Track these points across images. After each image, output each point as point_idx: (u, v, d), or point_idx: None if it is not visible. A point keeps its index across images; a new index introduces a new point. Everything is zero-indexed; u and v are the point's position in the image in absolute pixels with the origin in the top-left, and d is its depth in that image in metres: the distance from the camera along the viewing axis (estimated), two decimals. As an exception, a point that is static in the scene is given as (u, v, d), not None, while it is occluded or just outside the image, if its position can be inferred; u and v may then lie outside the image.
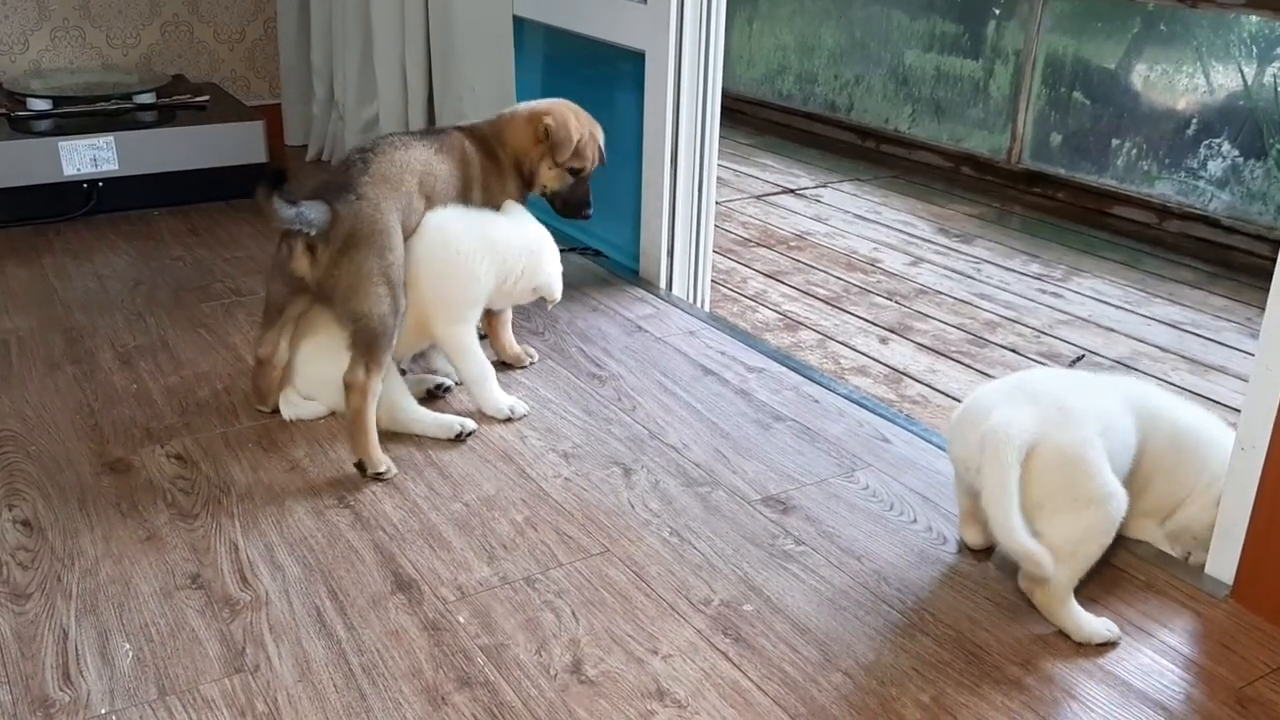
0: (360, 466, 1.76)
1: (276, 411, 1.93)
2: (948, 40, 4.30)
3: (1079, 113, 3.89)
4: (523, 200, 2.09)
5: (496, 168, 2.06)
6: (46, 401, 1.96)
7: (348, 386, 1.76)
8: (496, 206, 2.04)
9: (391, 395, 1.85)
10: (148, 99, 3.07)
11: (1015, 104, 4.01)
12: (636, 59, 2.48)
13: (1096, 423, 1.44)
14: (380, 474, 1.76)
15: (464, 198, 1.99)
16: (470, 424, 1.89)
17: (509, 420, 1.94)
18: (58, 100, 2.98)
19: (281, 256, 1.79)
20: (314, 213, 1.72)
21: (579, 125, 2.07)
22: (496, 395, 1.95)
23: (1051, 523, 1.40)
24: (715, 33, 2.40)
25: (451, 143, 2.00)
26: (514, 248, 1.96)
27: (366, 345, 1.76)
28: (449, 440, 1.87)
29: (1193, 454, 1.58)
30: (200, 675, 1.33)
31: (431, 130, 2.06)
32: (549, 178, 2.08)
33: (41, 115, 2.94)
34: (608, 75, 2.66)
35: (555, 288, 2.02)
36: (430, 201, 1.91)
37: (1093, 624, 1.42)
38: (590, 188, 2.13)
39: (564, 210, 2.12)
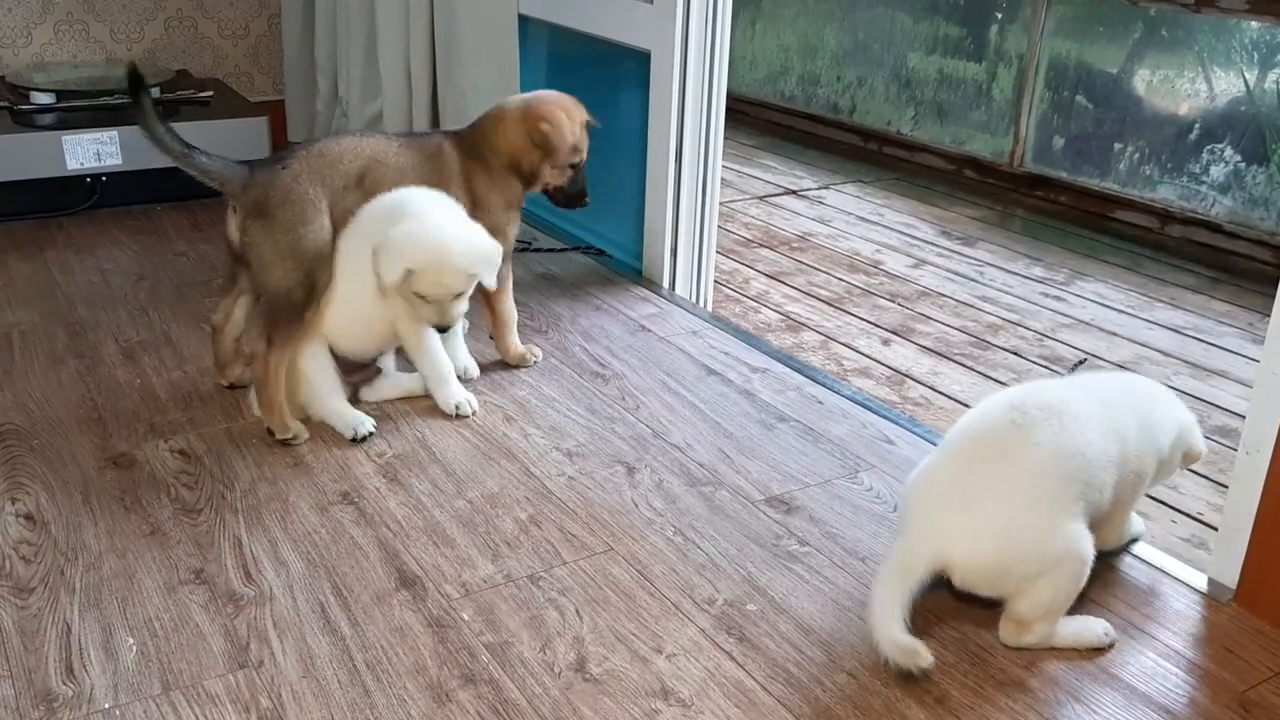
0: (270, 431, 1.82)
1: (234, 386, 1.94)
2: (950, 43, 4.30)
3: (1081, 116, 3.89)
4: (518, 202, 2.08)
5: (486, 172, 2.01)
6: (49, 395, 1.95)
7: (250, 356, 1.81)
8: (490, 211, 1.99)
9: (317, 382, 1.85)
10: (151, 94, 3.06)
11: (1018, 107, 4.01)
12: (642, 58, 2.48)
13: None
14: (287, 440, 1.80)
15: None
16: (365, 428, 1.83)
17: (457, 416, 1.92)
18: (61, 94, 2.98)
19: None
20: (225, 168, 1.75)
21: (570, 121, 2.03)
22: (446, 392, 1.94)
23: (1017, 603, 1.40)
24: (721, 32, 2.40)
25: (426, 142, 1.97)
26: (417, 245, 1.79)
27: (267, 318, 1.77)
28: (361, 440, 1.85)
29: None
30: (204, 670, 1.33)
31: (415, 132, 2.05)
32: (552, 175, 2.06)
33: (45, 109, 2.94)
34: (612, 74, 2.66)
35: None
36: (370, 195, 1.86)
37: (1086, 634, 1.42)
38: (584, 178, 2.12)
39: (567, 203, 2.10)
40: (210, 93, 3.13)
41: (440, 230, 1.79)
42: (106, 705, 1.27)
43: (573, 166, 2.06)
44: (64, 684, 1.30)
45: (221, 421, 1.90)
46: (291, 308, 1.76)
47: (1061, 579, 1.38)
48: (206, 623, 1.41)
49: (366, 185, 1.87)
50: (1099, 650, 1.41)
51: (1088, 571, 1.41)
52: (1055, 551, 1.38)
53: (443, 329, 1.88)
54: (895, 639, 1.32)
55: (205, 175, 1.73)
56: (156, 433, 1.85)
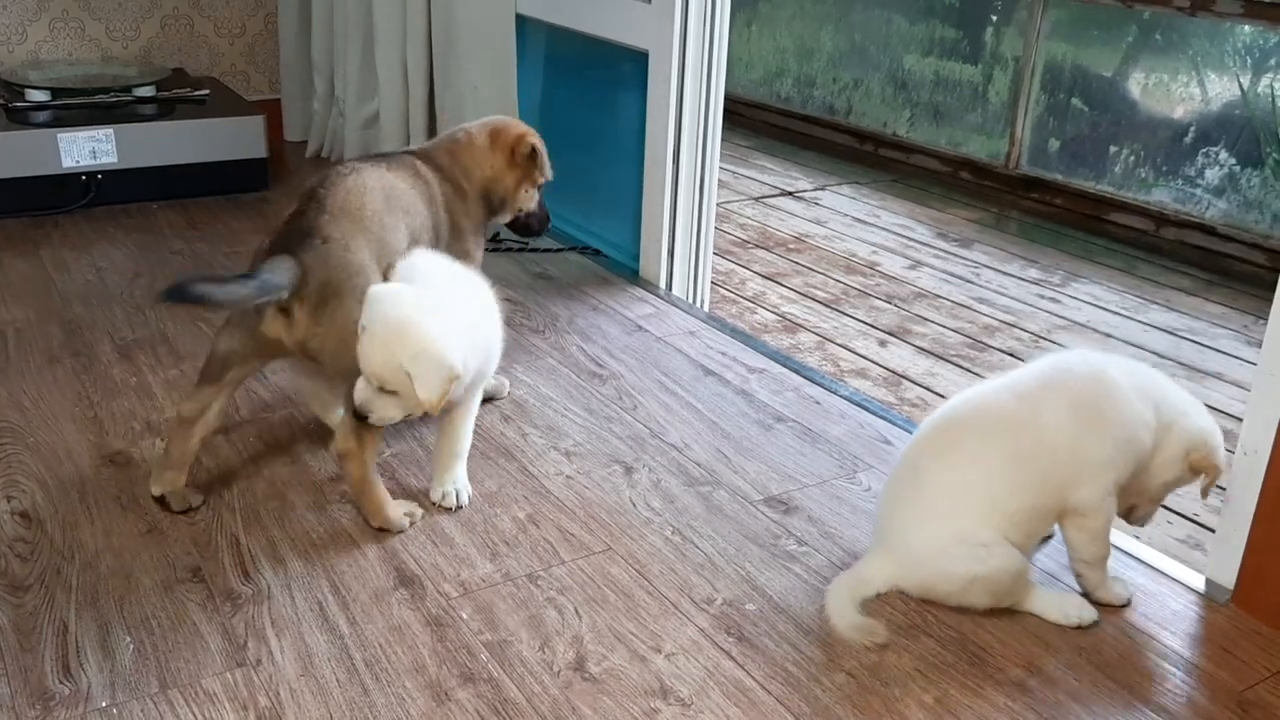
0: (384, 530, 1.59)
1: (163, 500, 1.63)
2: (947, 45, 4.31)
3: (1077, 119, 3.90)
4: (484, 230, 1.96)
5: (461, 197, 1.86)
6: (45, 393, 1.95)
7: (343, 456, 1.55)
8: (466, 237, 1.86)
9: (326, 396, 1.79)
10: (147, 92, 3.06)
11: (1014, 109, 4.02)
12: (640, 58, 2.48)
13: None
14: (410, 525, 1.62)
15: (434, 224, 1.78)
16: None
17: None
18: (56, 92, 2.97)
19: (248, 317, 1.56)
20: (280, 275, 1.48)
21: (536, 137, 1.94)
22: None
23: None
24: (719, 33, 2.41)
25: (402, 162, 1.78)
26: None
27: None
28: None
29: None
30: (202, 669, 1.32)
31: (379, 154, 1.87)
32: (526, 199, 1.95)
33: (40, 106, 2.93)
34: (610, 74, 2.66)
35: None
36: (408, 222, 1.70)
37: (1064, 606, 1.47)
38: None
39: (539, 228, 2.01)
40: (206, 91, 3.12)
41: (415, 310, 1.48)
42: (104, 704, 1.27)
43: (540, 189, 1.99)
44: (61, 682, 1.30)
45: (218, 420, 1.89)
46: None
47: (991, 589, 1.43)
48: (204, 621, 1.40)
49: (397, 215, 1.68)
50: (1087, 630, 1.45)
51: (1019, 579, 1.44)
52: (964, 571, 1.41)
53: (358, 415, 1.51)
54: (850, 621, 1.40)
55: (279, 292, 1.49)
56: (153, 431, 1.84)
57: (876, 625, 1.40)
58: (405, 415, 1.50)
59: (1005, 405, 1.45)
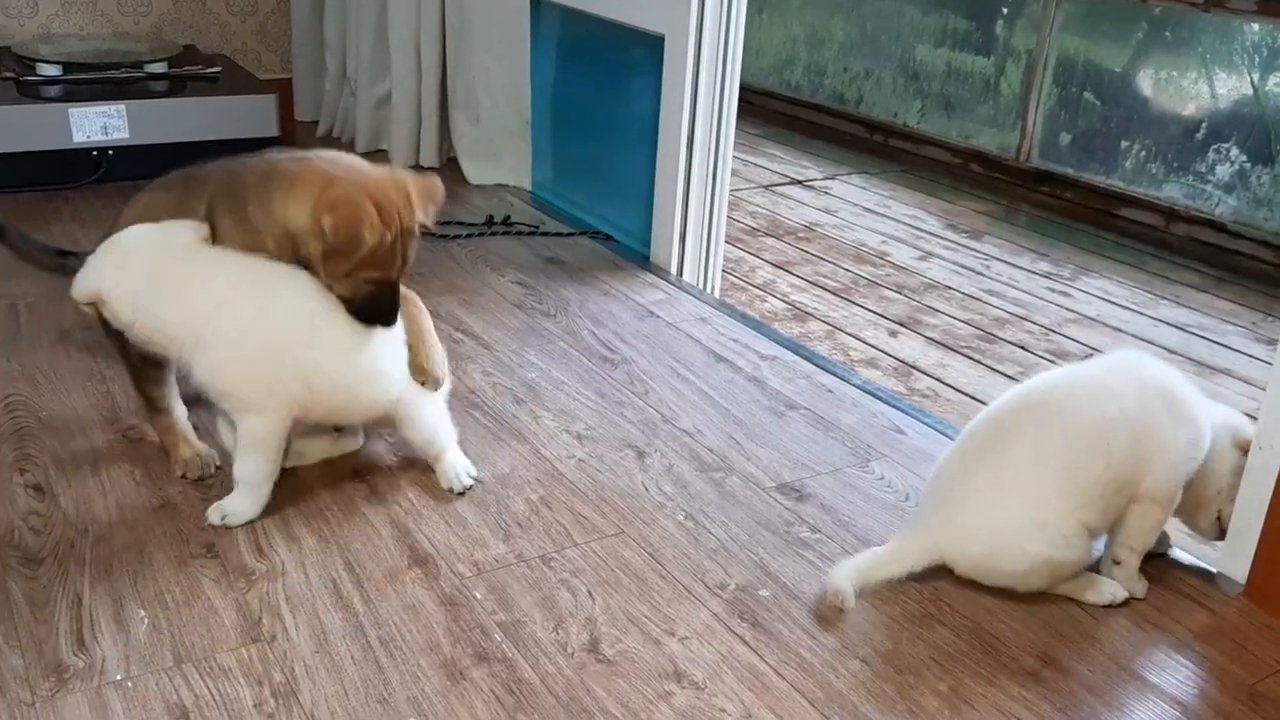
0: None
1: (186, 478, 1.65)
2: (959, 36, 4.30)
3: (1089, 113, 3.89)
4: None
5: (243, 232, 1.54)
6: (57, 367, 1.94)
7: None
8: None
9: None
10: (159, 68, 3.04)
11: (1025, 102, 4.01)
12: (655, 43, 2.47)
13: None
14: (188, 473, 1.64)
15: None
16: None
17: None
18: (68, 66, 2.96)
19: None
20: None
21: (375, 222, 1.46)
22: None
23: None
24: (736, 18, 2.40)
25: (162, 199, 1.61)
26: None
27: None
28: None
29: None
30: (216, 644, 1.32)
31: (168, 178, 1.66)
32: (336, 285, 1.51)
33: (51, 81, 2.92)
34: (625, 58, 2.65)
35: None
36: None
37: (1090, 590, 1.49)
38: (397, 291, 1.55)
39: (354, 314, 1.53)
40: (218, 69, 3.11)
41: (114, 240, 1.58)
42: (118, 677, 1.27)
43: (375, 282, 1.51)
44: (75, 655, 1.30)
45: (230, 397, 1.88)
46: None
47: (1051, 574, 1.45)
48: (218, 597, 1.40)
49: None
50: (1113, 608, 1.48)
51: (1082, 568, 1.46)
52: (1038, 554, 1.41)
53: None
54: (836, 581, 1.43)
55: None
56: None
57: (850, 596, 1.43)
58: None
59: (1084, 394, 1.48)
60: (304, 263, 1.53)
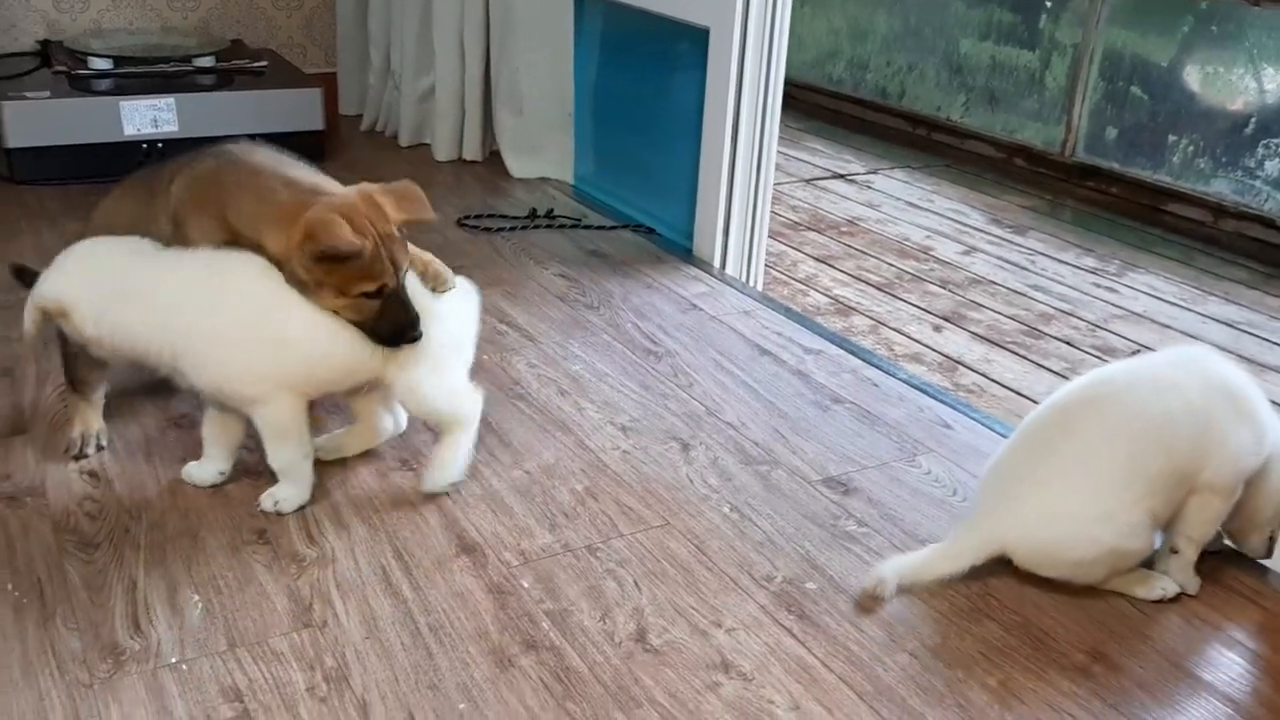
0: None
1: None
2: (1004, 29, 4.25)
3: (1136, 107, 3.84)
4: None
5: (222, 230, 1.53)
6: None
7: None
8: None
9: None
10: (207, 62, 3.08)
11: (1071, 96, 3.97)
12: (700, 35, 2.46)
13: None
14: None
15: None
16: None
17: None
18: (118, 60, 3.00)
19: None
20: None
21: (348, 234, 1.42)
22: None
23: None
24: (781, 10, 2.39)
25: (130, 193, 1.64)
26: None
27: None
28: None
29: None
30: (269, 629, 1.34)
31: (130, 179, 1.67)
32: (339, 308, 1.48)
33: (102, 74, 2.96)
34: (669, 51, 2.64)
35: None
36: None
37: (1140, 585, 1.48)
38: (407, 302, 1.50)
39: (378, 341, 1.51)
40: (264, 63, 3.14)
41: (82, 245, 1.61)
42: (173, 659, 1.28)
43: (374, 295, 1.47)
44: (131, 638, 1.32)
45: (279, 386, 1.90)
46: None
47: (1114, 564, 1.43)
48: (270, 582, 1.42)
49: None
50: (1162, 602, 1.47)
51: (1138, 560, 1.44)
52: (1104, 543, 1.40)
53: None
54: (882, 570, 1.44)
55: None
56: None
57: (891, 588, 1.44)
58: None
59: (1148, 387, 1.47)
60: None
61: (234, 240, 1.51)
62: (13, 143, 2.76)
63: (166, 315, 1.49)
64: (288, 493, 1.56)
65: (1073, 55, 3.98)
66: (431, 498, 1.61)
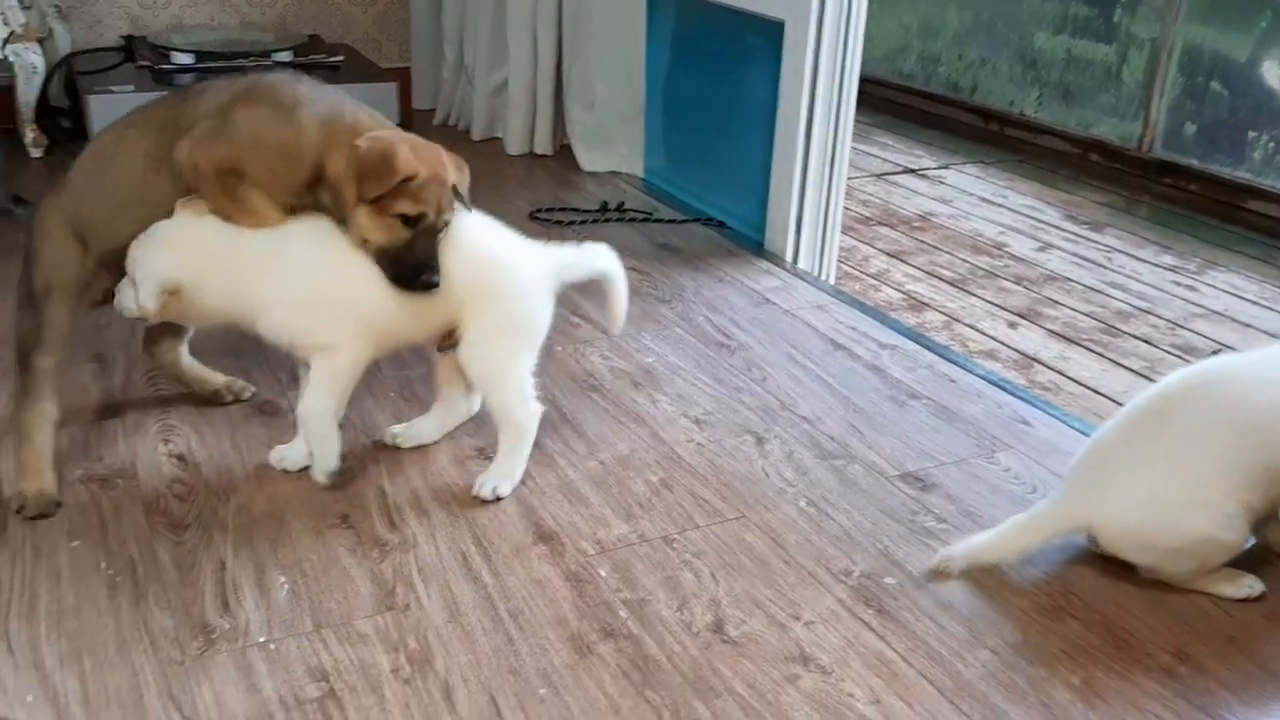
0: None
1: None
2: (1079, 23, 4.18)
3: (1215, 103, 3.76)
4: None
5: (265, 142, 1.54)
6: (196, 344, 2.00)
7: None
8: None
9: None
10: (285, 57, 3.13)
11: (1148, 91, 3.89)
12: (774, 29, 2.46)
13: None
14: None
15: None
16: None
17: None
18: (199, 55, 3.06)
19: None
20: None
21: (409, 156, 1.50)
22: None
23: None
24: (857, 4, 2.38)
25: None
26: None
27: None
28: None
29: None
30: (353, 611, 1.36)
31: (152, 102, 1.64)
32: (370, 227, 1.51)
33: (184, 69, 3.02)
34: (742, 45, 2.64)
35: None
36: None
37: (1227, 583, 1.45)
38: (434, 250, 1.53)
39: (393, 277, 1.53)
40: (340, 58, 3.18)
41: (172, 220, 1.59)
42: (261, 639, 1.31)
43: (408, 221, 1.51)
44: (220, 617, 1.35)
45: (359, 375, 1.93)
46: (18, 344, 1.71)
47: (1205, 555, 1.41)
48: (354, 565, 1.45)
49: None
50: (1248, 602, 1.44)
51: (1230, 555, 1.42)
52: (1198, 531, 1.37)
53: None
54: (950, 550, 1.47)
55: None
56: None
57: (958, 562, 1.46)
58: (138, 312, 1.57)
59: (1252, 380, 1.45)
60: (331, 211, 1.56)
61: (286, 153, 1.52)
62: (99, 135, 2.83)
63: (266, 280, 1.55)
64: (293, 453, 1.65)
65: (1150, 50, 3.90)
66: (509, 486, 1.63)
